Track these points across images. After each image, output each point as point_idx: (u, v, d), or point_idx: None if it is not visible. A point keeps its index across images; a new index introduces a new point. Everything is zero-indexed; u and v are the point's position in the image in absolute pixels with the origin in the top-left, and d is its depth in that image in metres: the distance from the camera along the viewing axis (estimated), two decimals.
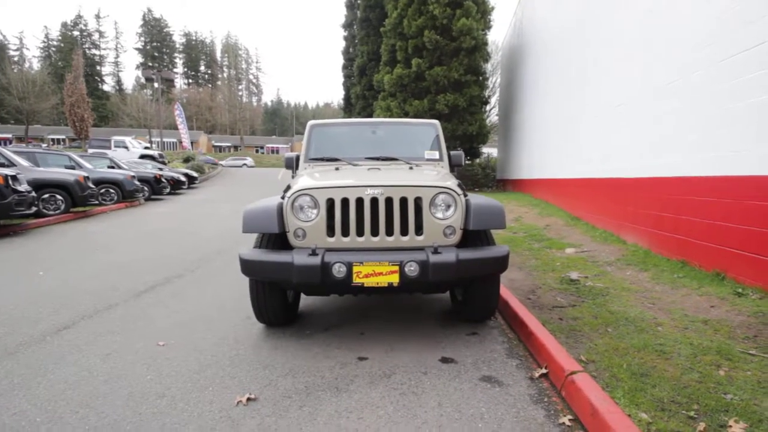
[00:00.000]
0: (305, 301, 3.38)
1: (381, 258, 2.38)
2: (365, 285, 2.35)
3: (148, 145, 25.70)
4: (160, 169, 14.08)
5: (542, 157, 9.75)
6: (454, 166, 3.81)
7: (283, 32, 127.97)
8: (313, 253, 2.38)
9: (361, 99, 17.74)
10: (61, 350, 2.49)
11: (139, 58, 70.17)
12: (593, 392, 1.78)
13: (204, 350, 2.51)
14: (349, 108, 21.37)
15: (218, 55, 76.53)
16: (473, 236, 2.65)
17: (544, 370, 2.17)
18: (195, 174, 17.99)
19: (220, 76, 76.50)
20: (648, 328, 2.63)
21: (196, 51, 74.65)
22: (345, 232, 2.51)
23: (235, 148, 57.38)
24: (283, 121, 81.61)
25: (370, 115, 17.06)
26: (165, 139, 36.35)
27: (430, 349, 2.52)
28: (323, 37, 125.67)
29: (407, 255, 2.40)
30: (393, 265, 2.34)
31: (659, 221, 4.30)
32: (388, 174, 3.14)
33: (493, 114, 20.10)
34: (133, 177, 10.99)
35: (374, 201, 2.51)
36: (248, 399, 1.95)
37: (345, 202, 2.51)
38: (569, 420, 1.77)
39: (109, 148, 20.71)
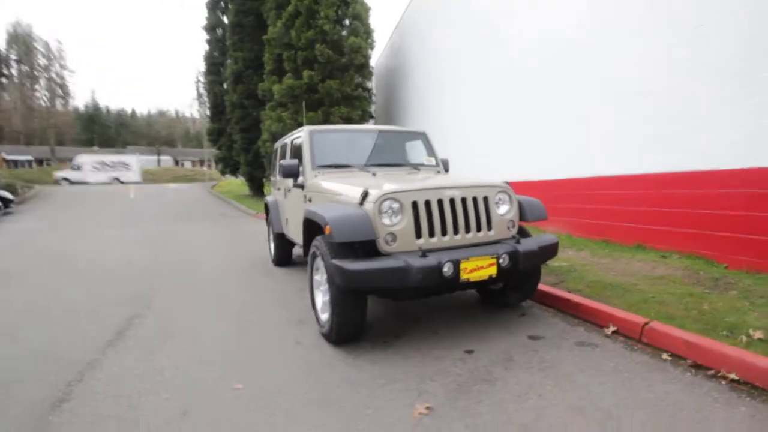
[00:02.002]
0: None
1: (476, 253, 2.54)
2: (470, 280, 2.48)
3: None
4: None
5: None
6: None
7: (96, 26, 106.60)
8: (424, 255, 2.38)
9: (239, 108, 16.47)
10: None
11: None
12: (675, 331, 2.36)
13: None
14: (218, 117, 19.51)
15: (2, 45, 59.31)
16: (521, 228, 3.05)
17: (613, 328, 2.69)
18: (9, 195, 13.64)
19: (5, 72, 59.28)
20: (631, 288, 3.45)
21: None
22: (431, 233, 2.58)
23: (41, 162, 45.24)
24: (104, 129, 68.15)
25: (254, 125, 16.03)
26: None
27: (511, 332, 2.79)
28: (151, 37, 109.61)
29: (497, 248, 2.62)
30: (492, 257, 2.54)
31: (579, 211, 5.53)
32: (435, 178, 3.29)
33: None
34: None
35: (452, 201, 2.66)
36: (427, 408, 1.87)
37: (427, 204, 2.59)
38: (668, 356, 2.31)
39: None
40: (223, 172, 21.11)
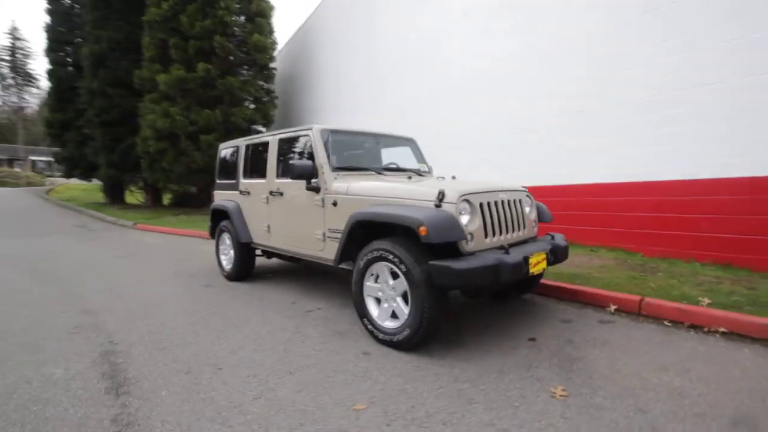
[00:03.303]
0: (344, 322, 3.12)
1: (533, 249, 2.83)
2: (534, 273, 2.75)
3: None
4: None
5: None
6: None
7: None
8: (507, 252, 2.56)
9: (100, 97, 13.49)
10: None
11: None
12: (666, 303, 3.07)
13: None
14: (62, 106, 15.57)
15: None
16: None
17: (614, 307, 3.30)
18: None
19: None
20: (589, 276, 4.24)
21: None
22: (494, 232, 2.78)
23: None
24: None
25: (123, 118, 13.38)
26: None
27: (543, 320, 3.15)
28: None
29: (541, 245, 2.97)
30: (544, 252, 2.86)
31: None
32: (473, 182, 3.45)
33: None
34: None
35: (503, 203, 2.92)
36: (563, 389, 2.04)
37: (488, 205, 2.79)
38: (668, 323, 2.98)
39: None
40: (68, 175, 16.93)
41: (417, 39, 8.25)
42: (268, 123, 13.32)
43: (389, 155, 4.20)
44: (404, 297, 2.61)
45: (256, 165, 4.34)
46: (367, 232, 2.92)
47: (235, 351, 2.66)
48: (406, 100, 8.51)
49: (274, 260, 5.10)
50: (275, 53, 13.25)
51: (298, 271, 5.18)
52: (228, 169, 4.95)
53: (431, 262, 2.40)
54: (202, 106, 11.87)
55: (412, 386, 2.15)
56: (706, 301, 3.17)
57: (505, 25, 6.46)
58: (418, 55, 8.20)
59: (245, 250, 4.53)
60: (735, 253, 4.15)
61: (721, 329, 2.78)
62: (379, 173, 3.60)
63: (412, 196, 2.73)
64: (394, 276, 2.66)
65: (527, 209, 3.24)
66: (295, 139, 3.79)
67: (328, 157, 3.41)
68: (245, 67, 12.72)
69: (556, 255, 3.02)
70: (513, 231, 2.98)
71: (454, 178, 3.69)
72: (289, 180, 3.75)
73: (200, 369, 2.42)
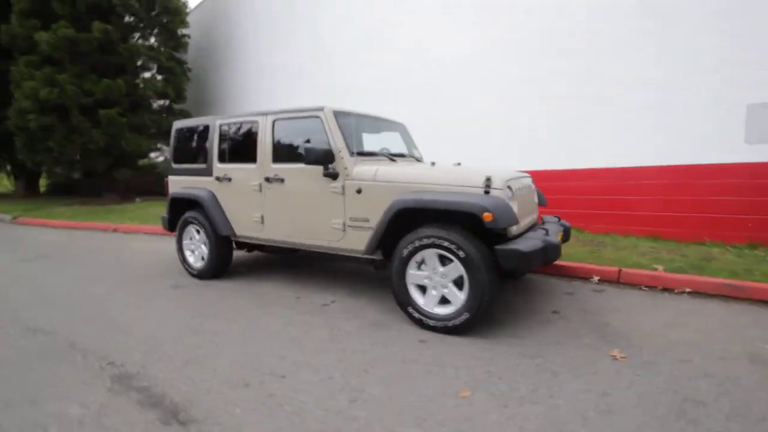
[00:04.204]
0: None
1: (555, 230, 3.11)
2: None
3: None
4: None
5: None
6: None
7: None
8: (548, 233, 2.78)
9: None
10: None
11: None
12: (639, 272, 3.65)
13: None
14: None
15: None
16: None
17: (597, 278, 3.80)
18: None
19: None
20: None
21: None
22: (522, 216, 2.99)
23: None
24: None
25: None
26: None
27: (550, 294, 3.49)
28: None
29: (557, 226, 3.28)
30: (561, 233, 3.16)
31: None
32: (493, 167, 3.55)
33: None
34: None
35: (524, 188, 3.14)
36: (621, 356, 2.33)
37: (519, 190, 2.98)
38: (645, 288, 3.55)
39: None
40: None
41: (371, 21, 8.06)
42: (178, 99, 11.79)
43: (380, 140, 4.12)
44: (455, 282, 2.65)
45: (240, 148, 3.87)
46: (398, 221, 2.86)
47: (283, 356, 2.41)
48: (355, 83, 8.31)
49: (240, 253, 4.68)
50: (188, 18, 11.68)
51: (274, 264, 4.82)
52: (191, 152, 4.32)
53: (498, 247, 2.48)
54: (99, 74, 9.98)
55: (494, 368, 2.23)
56: (661, 268, 3.85)
57: (461, 16, 6.70)
58: (371, 38, 8.04)
59: (224, 244, 4.05)
60: (662, 227, 5.07)
61: (688, 290, 3.43)
62: (392, 159, 3.52)
63: (458, 182, 2.74)
64: (443, 262, 2.68)
65: (534, 194, 3.52)
66: (297, 120, 3.47)
67: (346, 141, 3.22)
68: (154, 31, 10.99)
69: (567, 235, 3.36)
70: (530, 214, 3.22)
71: (459, 164, 3.78)
72: (293, 165, 3.45)
73: (259, 380, 2.15)
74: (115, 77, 10.01)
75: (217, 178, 3.99)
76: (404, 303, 2.82)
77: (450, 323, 2.64)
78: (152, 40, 10.89)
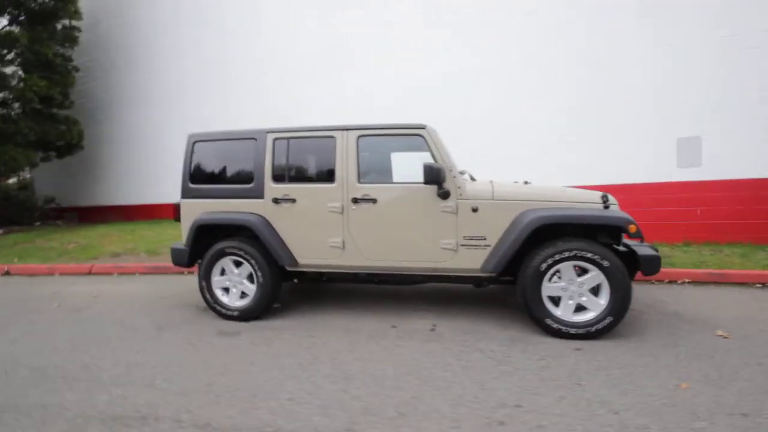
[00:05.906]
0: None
1: None
2: None
3: None
4: None
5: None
6: None
7: None
8: (642, 241, 3.26)
9: None
10: None
11: None
12: None
13: None
14: None
15: None
16: None
17: None
18: None
19: None
20: None
21: None
22: None
23: None
24: None
25: None
26: None
27: None
28: None
29: None
30: None
31: None
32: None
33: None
34: None
35: None
36: (723, 334, 2.87)
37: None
38: (654, 281, 4.37)
39: None
40: None
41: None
42: (66, 99, 9.52)
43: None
44: (592, 290, 2.90)
45: (306, 166, 3.46)
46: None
47: (460, 396, 2.22)
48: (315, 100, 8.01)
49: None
50: (80, 7, 9.61)
51: (302, 294, 4.33)
52: (221, 170, 3.65)
53: (642, 254, 2.82)
54: None
55: (668, 362, 2.52)
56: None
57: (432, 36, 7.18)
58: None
59: (279, 276, 3.51)
60: None
61: (687, 280, 4.36)
62: (472, 177, 3.61)
63: (582, 199, 3.04)
64: (579, 273, 2.90)
65: None
66: (389, 137, 3.31)
67: (450, 159, 3.21)
68: (42, 16, 8.71)
69: None
70: None
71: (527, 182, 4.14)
72: (389, 185, 3.27)
73: (507, 414, 2.00)
74: None
75: (275, 200, 3.46)
76: (541, 316, 2.93)
77: (593, 328, 2.85)
78: (37, 30, 8.50)
